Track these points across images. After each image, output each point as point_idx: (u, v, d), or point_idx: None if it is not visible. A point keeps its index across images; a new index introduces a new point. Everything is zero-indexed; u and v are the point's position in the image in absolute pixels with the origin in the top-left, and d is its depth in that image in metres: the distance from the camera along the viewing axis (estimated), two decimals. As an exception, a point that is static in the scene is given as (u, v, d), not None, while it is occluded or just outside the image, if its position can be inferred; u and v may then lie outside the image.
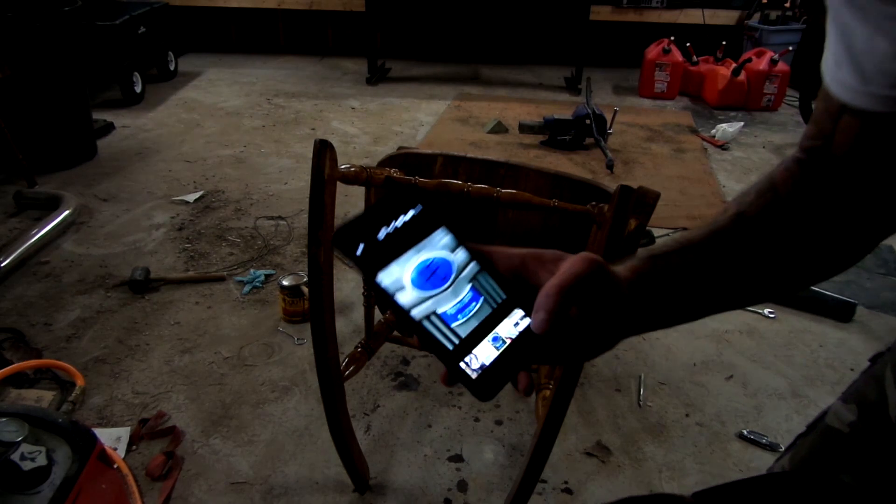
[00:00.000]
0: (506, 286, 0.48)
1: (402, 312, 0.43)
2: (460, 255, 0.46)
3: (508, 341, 0.46)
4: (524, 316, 0.48)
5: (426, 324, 0.43)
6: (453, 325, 0.44)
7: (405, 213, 0.45)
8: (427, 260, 0.44)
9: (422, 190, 0.42)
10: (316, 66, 5.20)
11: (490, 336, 0.46)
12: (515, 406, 1.84)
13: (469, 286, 0.45)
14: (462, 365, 0.44)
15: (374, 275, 0.42)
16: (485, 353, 0.45)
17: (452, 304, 0.44)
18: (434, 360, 1.98)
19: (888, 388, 0.66)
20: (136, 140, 3.65)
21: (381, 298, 0.43)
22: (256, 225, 2.77)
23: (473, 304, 0.45)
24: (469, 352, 0.44)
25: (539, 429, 1.30)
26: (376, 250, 0.43)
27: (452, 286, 0.45)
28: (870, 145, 0.53)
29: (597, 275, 0.48)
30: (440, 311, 0.44)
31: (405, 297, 0.43)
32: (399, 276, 0.43)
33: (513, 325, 0.47)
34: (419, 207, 0.46)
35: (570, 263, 0.47)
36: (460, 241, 0.47)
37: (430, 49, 5.53)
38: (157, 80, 4.60)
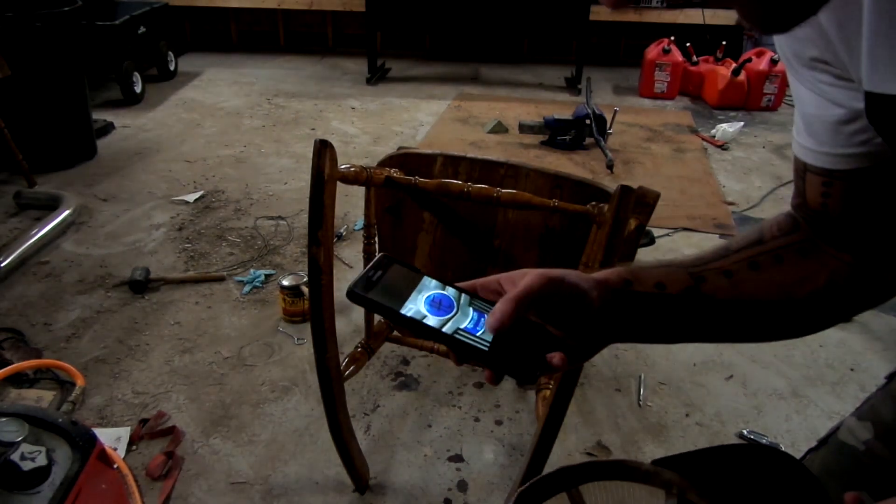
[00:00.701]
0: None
1: (436, 332, 0.53)
2: (451, 291, 0.56)
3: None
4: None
5: (458, 336, 0.53)
6: (477, 334, 0.53)
7: (390, 269, 0.56)
8: (430, 296, 0.55)
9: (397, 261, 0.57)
10: (316, 66, 5.20)
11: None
12: (515, 406, 1.84)
13: (471, 308, 0.55)
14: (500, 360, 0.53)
15: (399, 310, 0.53)
16: (512, 350, 0.54)
17: (467, 321, 0.54)
18: (434, 360, 1.98)
19: None
20: (136, 140, 3.65)
21: (410, 327, 0.53)
22: (256, 225, 2.77)
23: (482, 319, 0.54)
24: (501, 351, 0.53)
25: (539, 429, 1.30)
26: (387, 295, 0.54)
27: (460, 310, 0.55)
28: (836, 200, 0.57)
29: (552, 287, 0.53)
30: (462, 326, 0.53)
31: (432, 322, 0.53)
32: (418, 308, 0.54)
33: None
34: (394, 265, 0.57)
35: (527, 279, 0.53)
36: (445, 282, 0.56)
37: (430, 49, 5.53)
38: (157, 80, 4.60)
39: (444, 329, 0.53)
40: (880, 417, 0.70)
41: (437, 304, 0.55)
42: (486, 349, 0.53)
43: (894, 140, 0.46)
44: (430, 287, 0.56)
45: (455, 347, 0.53)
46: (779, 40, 0.55)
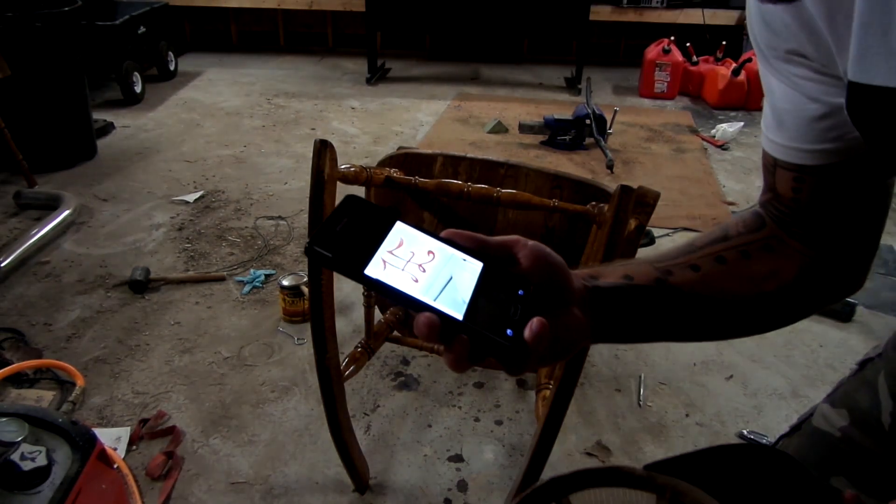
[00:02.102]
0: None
1: (410, 299, 0.45)
2: (429, 241, 0.49)
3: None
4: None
5: (438, 307, 0.46)
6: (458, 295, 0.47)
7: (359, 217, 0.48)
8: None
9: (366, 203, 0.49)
10: (316, 66, 5.20)
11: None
12: (515, 406, 1.84)
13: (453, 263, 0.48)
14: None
15: (363, 271, 0.45)
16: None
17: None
18: (434, 360, 1.98)
19: (881, 396, 0.67)
20: (136, 140, 3.65)
21: (380, 291, 0.45)
22: (256, 225, 2.77)
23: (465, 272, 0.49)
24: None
25: (539, 429, 1.30)
26: (352, 250, 0.46)
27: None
28: (807, 195, 0.57)
29: (559, 276, 0.50)
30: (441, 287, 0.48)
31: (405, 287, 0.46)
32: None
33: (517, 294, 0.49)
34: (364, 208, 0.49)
35: (541, 260, 0.49)
36: (422, 230, 0.50)
37: (430, 49, 5.53)
38: (157, 80, 4.60)
39: (418, 296, 0.45)
40: (856, 404, 0.70)
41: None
42: (461, 319, 0.45)
43: (871, 133, 0.46)
44: (404, 236, 0.48)
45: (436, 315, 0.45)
46: (752, 31, 0.54)
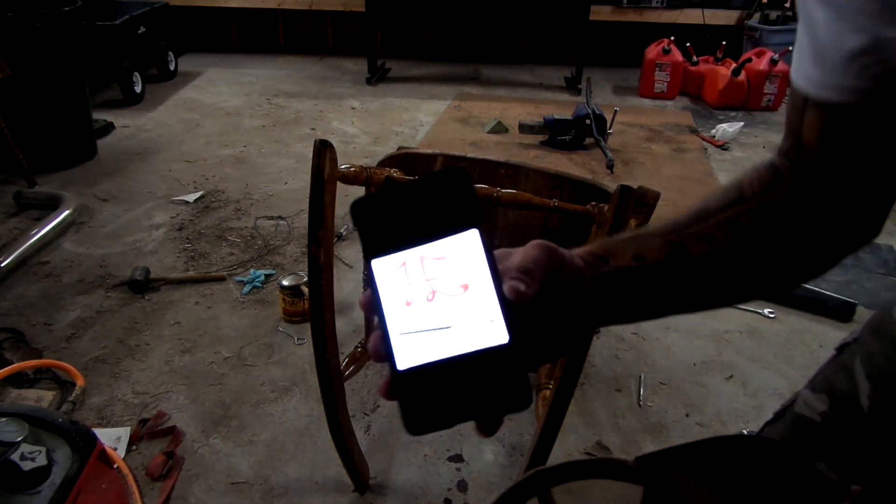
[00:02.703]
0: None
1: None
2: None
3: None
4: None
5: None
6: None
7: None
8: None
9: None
10: (316, 66, 5.20)
11: None
12: (515, 406, 1.84)
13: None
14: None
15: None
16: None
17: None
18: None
19: (858, 379, 0.67)
20: (136, 140, 3.65)
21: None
22: (256, 225, 2.77)
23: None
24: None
25: (539, 429, 1.30)
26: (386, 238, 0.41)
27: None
28: (835, 138, 0.52)
29: (557, 263, 0.47)
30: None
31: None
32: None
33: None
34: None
35: (530, 250, 0.46)
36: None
37: (430, 49, 5.53)
38: (157, 80, 4.60)
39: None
40: (835, 389, 0.71)
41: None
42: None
43: None
44: (458, 250, 0.40)
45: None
46: None
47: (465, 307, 0.40)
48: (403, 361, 0.39)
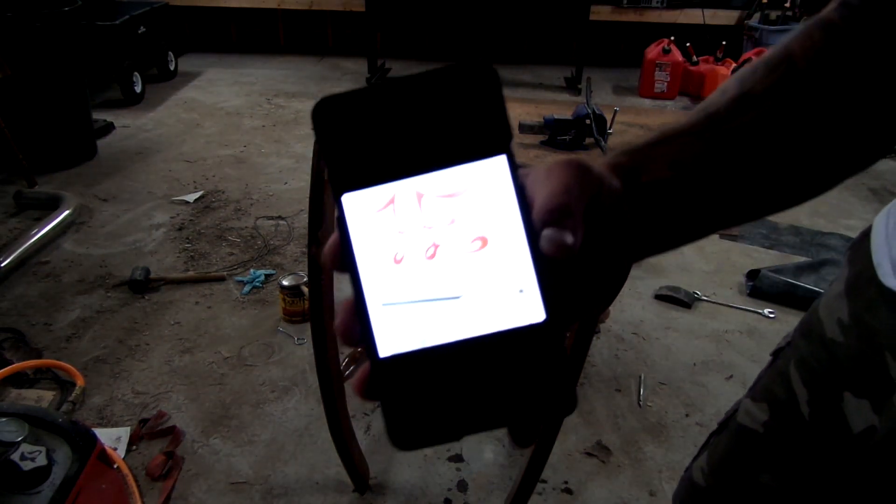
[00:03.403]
0: None
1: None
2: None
3: None
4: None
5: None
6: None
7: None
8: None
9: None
10: (316, 66, 5.20)
11: None
12: (515, 406, 1.84)
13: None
14: None
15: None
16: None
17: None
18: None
19: (795, 386, 0.64)
20: (136, 140, 3.65)
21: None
22: (256, 225, 2.77)
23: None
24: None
25: (539, 429, 1.30)
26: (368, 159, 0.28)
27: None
28: None
29: (588, 184, 0.34)
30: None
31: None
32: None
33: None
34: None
35: (551, 175, 0.33)
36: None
37: (430, 49, 5.53)
38: (157, 80, 4.60)
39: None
40: (775, 397, 0.67)
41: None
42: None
43: None
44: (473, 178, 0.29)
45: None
46: None
47: (483, 270, 0.28)
48: (387, 345, 0.28)
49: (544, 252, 0.28)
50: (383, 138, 0.28)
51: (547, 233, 0.29)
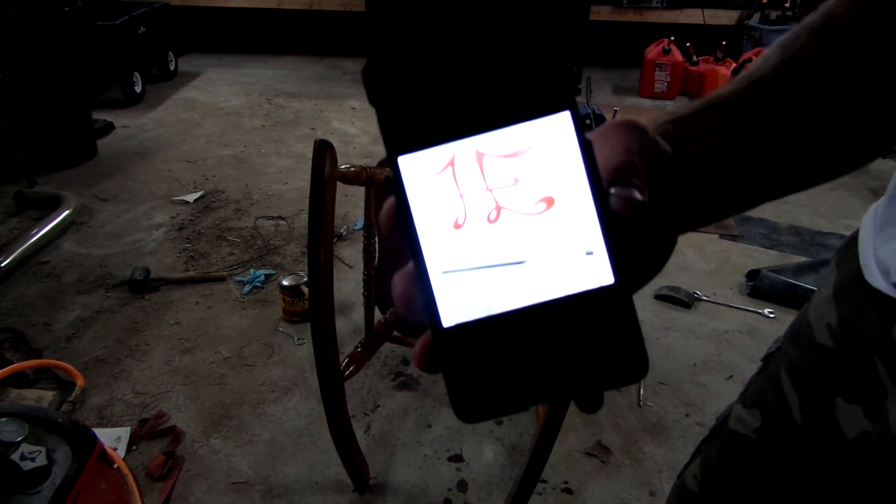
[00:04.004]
0: None
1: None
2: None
3: None
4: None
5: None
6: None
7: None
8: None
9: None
10: (316, 66, 5.20)
11: None
12: (515, 406, 1.84)
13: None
14: None
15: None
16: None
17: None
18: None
19: (787, 392, 0.64)
20: (136, 140, 3.65)
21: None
22: (256, 225, 2.77)
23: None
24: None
25: (539, 429, 1.30)
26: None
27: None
28: None
29: (647, 144, 0.33)
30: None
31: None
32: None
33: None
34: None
35: (608, 133, 0.32)
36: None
37: (430, 49, 5.53)
38: (157, 80, 4.60)
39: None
40: (767, 404, 0.66)
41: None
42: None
43: None
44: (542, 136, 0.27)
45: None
46: None
47: (548, 232, 0.27)
48: (451, 315, 0.27)
49: (614, 210, 0.28)
50: (440, 95, 0.27)
51: (617, 190, 0.28)
